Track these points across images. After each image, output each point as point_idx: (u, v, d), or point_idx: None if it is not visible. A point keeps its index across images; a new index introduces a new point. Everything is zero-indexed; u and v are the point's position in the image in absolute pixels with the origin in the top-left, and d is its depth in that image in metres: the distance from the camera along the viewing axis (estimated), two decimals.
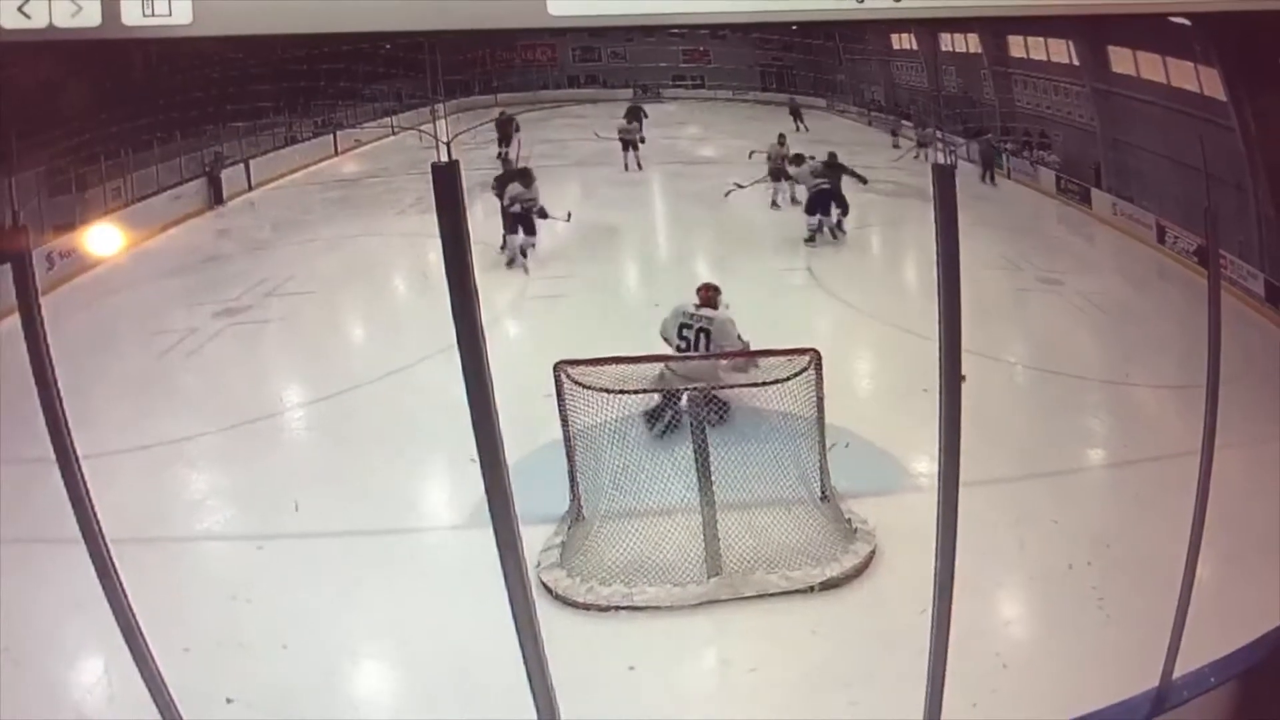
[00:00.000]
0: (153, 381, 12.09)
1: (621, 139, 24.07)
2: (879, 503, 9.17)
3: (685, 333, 10.08)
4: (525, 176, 17.02)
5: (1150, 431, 10.87)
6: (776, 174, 19.98)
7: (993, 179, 22.11)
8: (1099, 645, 7.26)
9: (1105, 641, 7.31)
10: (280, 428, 11.18)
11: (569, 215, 17.28)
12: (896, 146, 24.30)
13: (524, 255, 16.49)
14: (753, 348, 10.02)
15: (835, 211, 17.62)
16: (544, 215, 16.83)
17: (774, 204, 19.84)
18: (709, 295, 10.44)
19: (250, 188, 20.96)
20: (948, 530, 4.14)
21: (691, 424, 8.52)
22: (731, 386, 9.43)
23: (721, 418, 9.11)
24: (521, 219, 16.49)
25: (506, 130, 23.79)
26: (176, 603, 7.46)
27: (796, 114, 26.37)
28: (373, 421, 10.93)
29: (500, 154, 22.88)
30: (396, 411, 10.97)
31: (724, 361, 9.79)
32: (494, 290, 12.49)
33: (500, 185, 16.99)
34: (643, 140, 24.09)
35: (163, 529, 9.02)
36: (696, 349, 10.01)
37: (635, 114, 24.89)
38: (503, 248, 16.40)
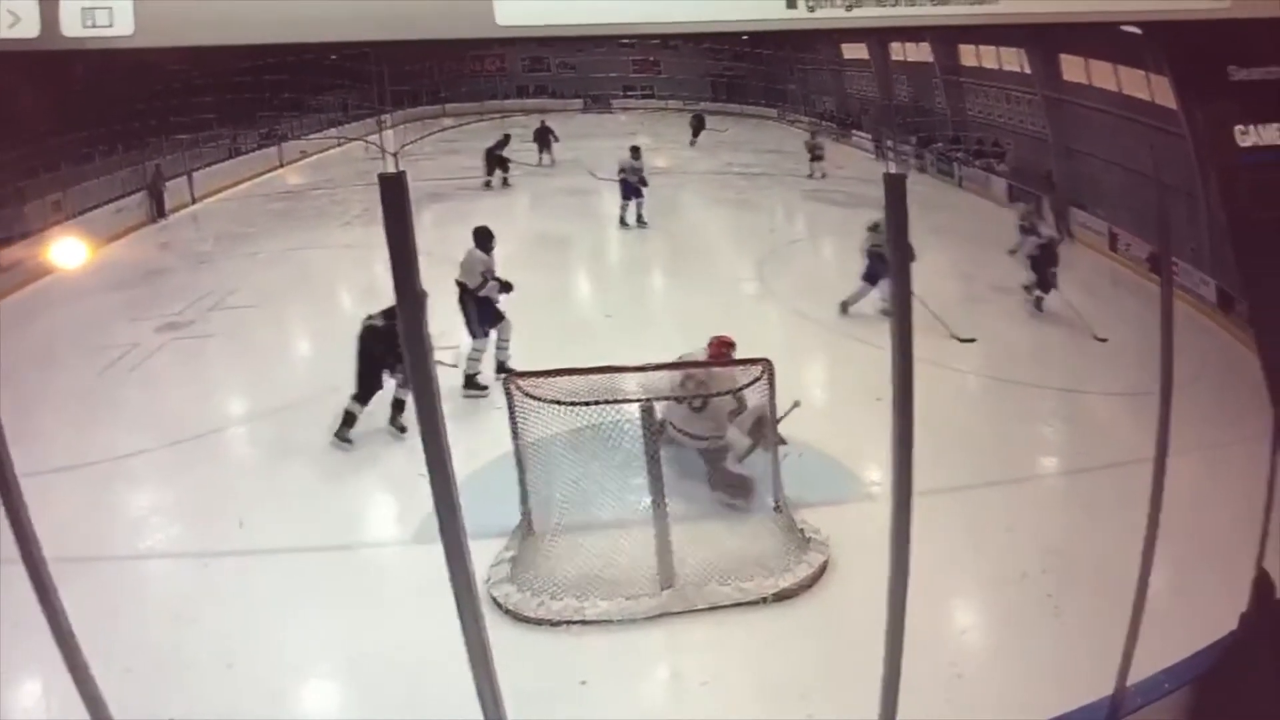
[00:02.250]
0: (94, 397, 11.93)
1: (622, 180, 19.93)
2: (832, 512, 9.11)
3: (685, 387, 9.59)
4: (485, 238, 12.27)
5: (1104, 439, 10.93)
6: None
7: (1069, 232, 19.70)
8: (1054, 652, 7.20)
9: (1060, 649, 7.24)
10: (224, 443, 11.03)
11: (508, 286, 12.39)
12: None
13: (501, 371, 11.90)
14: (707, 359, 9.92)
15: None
16: (508, 289, 12.22)
17: None
18: (721, 352, 9.93)
19: (193, 200, 20.78)
20: (901, 539, 4.09)
21: (644, 436, 8.45)
22: (679, 398, 9.39)
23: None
24: (489, 310, 12.21)
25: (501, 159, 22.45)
26: (118, 622, 7.32)
27: (697, 128, 25.86)
28: (319, 436, 10.78)
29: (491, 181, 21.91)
30: None
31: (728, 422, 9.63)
32: (442, 300, 12.36)
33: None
34: (644, 183, 19.86)
35: (104, 547, 8.83)
36: (692, 404, 9.57)
37: (544, 136, 23.95)
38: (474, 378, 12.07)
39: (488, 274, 12.01)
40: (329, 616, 7.90)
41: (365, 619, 7.80)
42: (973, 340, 13.46)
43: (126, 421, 11.26)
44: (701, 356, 9.93)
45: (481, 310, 12.08)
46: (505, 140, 22.51)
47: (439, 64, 25.71)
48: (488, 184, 21.86)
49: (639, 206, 19.80)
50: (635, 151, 19.97)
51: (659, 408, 8.90)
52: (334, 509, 9.54)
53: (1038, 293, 15.31)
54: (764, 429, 9.30)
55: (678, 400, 9.48)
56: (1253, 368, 4.45)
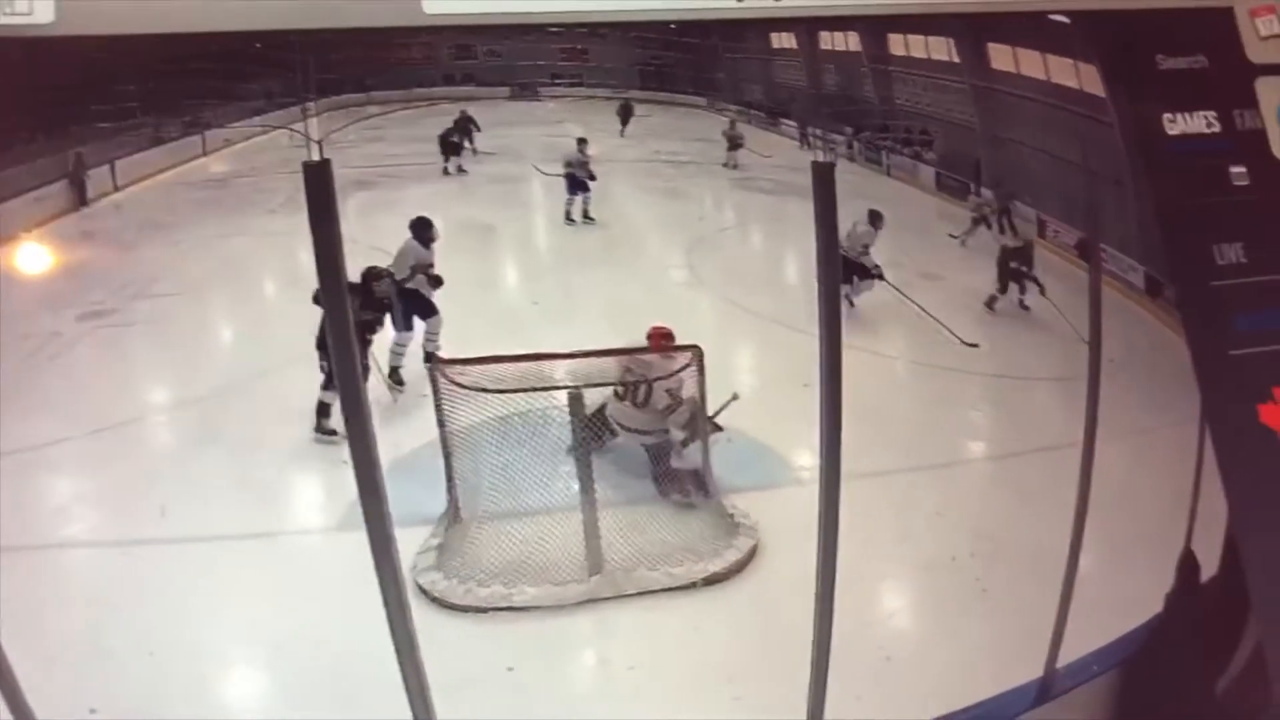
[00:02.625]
0: (14, 386, 11.63)
1: (568, 175, 18.64)
2: (761, 497, 9.18)
3: (628, 376, 9.52)
4: (423, 229, 11.98)
5: (1033, 424, 11.00)
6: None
7: (1013, 227, 18.29)
8: (983, 636, 7.29)
9: (990, 632, 7.32)
10: (147, 431, 10.85)
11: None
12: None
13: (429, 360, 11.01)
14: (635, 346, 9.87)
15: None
16: (438, 284, 11.85)
17: None
18: (659, 344, 9.78)
19: (116, 188, 20.40)
20: (830, 523, 4.16)
21: (572, 422, 8.42)
22: (613, 384, 9.35)
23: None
24: (418, 303, 11.78)
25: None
26: (37, 612, 7.19)
27: (625, 117, 25.55)
28: (242, 424, 10.64)
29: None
30: (266, 414, 10.68)
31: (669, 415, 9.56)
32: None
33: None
34: (593, 178, 18.60)
35: (23, 536, 8.60)
36: (636, 399, 9.56)
37: (465, 126, 23.43)
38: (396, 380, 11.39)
39: (417, 267, 11.76)
40: (252, 605, 7.81)
41: (289, 607, 7.72)
42: (976, 345, 13.49)
43: (48, 410, 11.04)
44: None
45: (407, 302, 11.73)
46: (457, 125, 22.38)
47: (365, 52, 25.33)
48: (446, 171, 21.70)
49: (585, 202, 18.70)
50: (581, 144, 18.92)
51: (589, 396, 8.87)
52: (257, 496, 9.41)
53: (993, 294, 15.33)
54: (698, 419, 9.28)
55: (618, 396, 9.45)
56: (1180, 353, 4.50)
